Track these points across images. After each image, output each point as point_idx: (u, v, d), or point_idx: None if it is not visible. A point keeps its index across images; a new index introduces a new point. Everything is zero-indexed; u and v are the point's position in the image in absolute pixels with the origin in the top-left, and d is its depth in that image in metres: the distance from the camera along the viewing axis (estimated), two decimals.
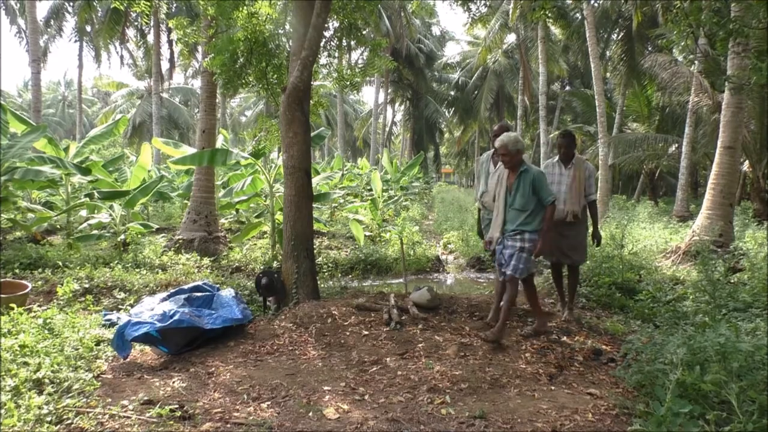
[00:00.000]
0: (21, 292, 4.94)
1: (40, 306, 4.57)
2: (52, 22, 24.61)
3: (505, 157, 4.37)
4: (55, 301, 4.81)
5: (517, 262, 4.23)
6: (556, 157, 4.99)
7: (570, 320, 4.84)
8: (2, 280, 5.33)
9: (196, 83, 32.47)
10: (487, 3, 22.46)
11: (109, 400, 3.05)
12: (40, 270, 6.32)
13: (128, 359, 3.82)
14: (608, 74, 23.06)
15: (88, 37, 25.29)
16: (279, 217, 7.69)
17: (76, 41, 25.24)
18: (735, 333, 2.86)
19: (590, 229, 5.05)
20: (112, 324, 4.42)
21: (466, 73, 33.43)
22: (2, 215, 7.84)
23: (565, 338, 4.40)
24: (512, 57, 29.65)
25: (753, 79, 6.34)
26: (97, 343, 3.94)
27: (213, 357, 3.92)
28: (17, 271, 6.38)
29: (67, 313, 4.11)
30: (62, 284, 4.49)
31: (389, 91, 33.37)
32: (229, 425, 2.84)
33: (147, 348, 4.09)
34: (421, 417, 2.97)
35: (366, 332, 4.45)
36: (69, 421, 2.73)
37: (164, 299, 4.31)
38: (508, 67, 30.23)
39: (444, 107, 36.24)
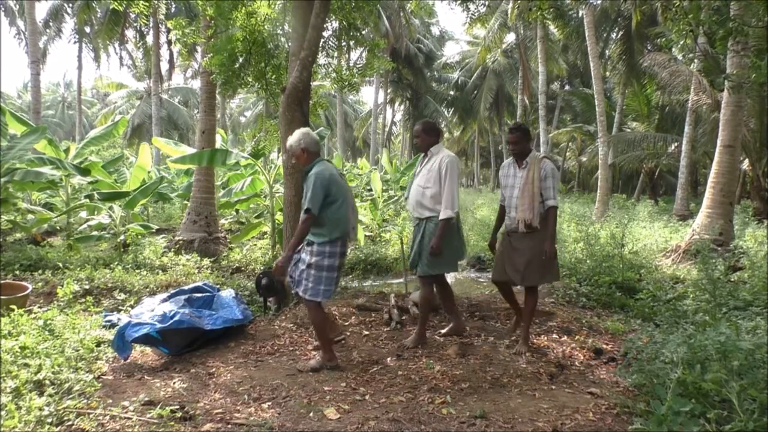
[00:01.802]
0: (21, 294, 4.94)
1: (40, 307, 4.56)
2: (51, 24, 24.63)
3: (291, 159, 3.82)
4: (55, 302, 4.81)
5: (307, 281, 3.60)
6: (511, 157, 4.28)
7: (521, 352, 4.01)
8: (2, 281, 5.33)
9: (196, 84, 32.48)
10: (486, 2, 22.46)
11: (110, 401, 3.05)
12: (40, 271, 6.31)
13: (129, 360, 3.82)
14: (608, 73, 23.08)
15: (87, 38, 25.31)
16: (279, 217, 7.69)
17: (75, 42, 25.30)
18: (735, 331, 2.86)
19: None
20: (113, 325, 4.42)
21: (465, 73, 33.46)
22: (2, 217, 7.84)
23: (565, 337, 4.40)
24: (511, 56, 29.67)
25: (752, 78, 6.34)
26: (98, 345, 3.94)
27: (213, 358, 3.92)
28: (17, 272, 6.38)
29: (67, 315, 4.11)
30: (62, 285, 4.49)
31: (389, 91, 33.39)
32: (230, 426, 2.84)
33: (147, 349, 4.08)
34: (422, 417, 2.97)
35: (366, 332, 4.45)
36: (70, 423, 2.73)
37: (164, 300, 4.31)
38: (508, 67, 30.24)
39: (443, 107, 36.24)
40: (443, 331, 4.45)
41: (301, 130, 3.81)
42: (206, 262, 7.42)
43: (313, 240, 3.60)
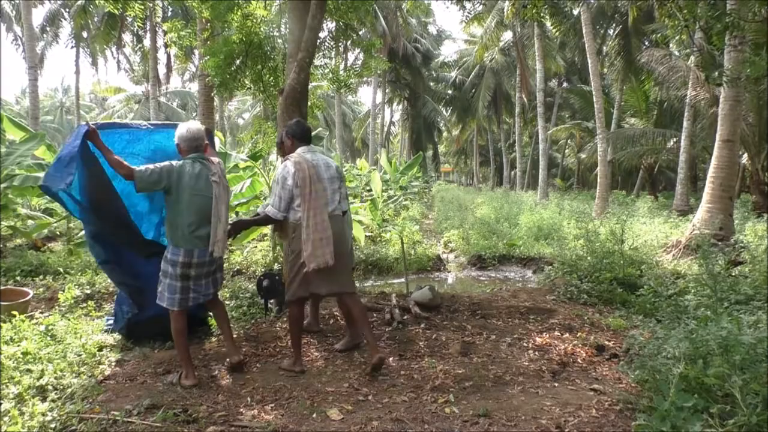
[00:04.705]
0: (22, 300, 4.93)
1: (42, 313, 4.57)
2: (48, 29, 24.62)
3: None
4: (56, 307, 4.81)
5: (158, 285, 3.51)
6: None
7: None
8: (3, 287, 5.33)
9: (194, 87, 32.49)
10: (482, 2, 22.47)
11: (113, 405, 3.05)
12: (41, 277, 6.31)
13: (130, 364, 3.81)
14: (605, 70, 23.09)
15: (84, 42, 25.28)
16: None
17: (72, 47, 25.22)
18: (737, 326, 2.86)
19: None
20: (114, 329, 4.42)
21: (463, 72, 33.46)
22: (2, 222, 7.83)
23: (567, 335, 4.40)
24: (509, 54, 29.66)
25: (748, 72, 6.35)
26: (100, 349, 3.94)
27: (215, 360, 3.92)
28: (18, 278, 6.37)
29: (69, 320, 4.11)
30: (64, 291, 4.49)
31: (387, 91, 33.38)
32: (233, 428, 2.85)
33: (149, 352, 4.07)
34: (425, 416, 2.97)
35: None
36: (73, 428, 2.73)
37: None
38: (506, 65, 30.24)
39: (442, 106, 36.27)
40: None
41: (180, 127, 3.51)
42: None
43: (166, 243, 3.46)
